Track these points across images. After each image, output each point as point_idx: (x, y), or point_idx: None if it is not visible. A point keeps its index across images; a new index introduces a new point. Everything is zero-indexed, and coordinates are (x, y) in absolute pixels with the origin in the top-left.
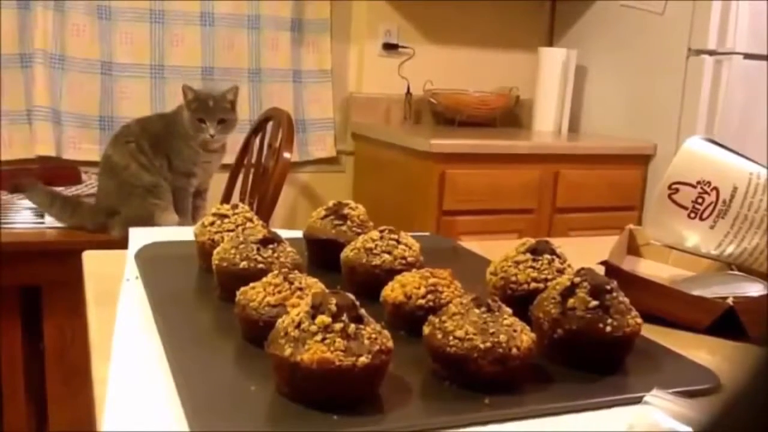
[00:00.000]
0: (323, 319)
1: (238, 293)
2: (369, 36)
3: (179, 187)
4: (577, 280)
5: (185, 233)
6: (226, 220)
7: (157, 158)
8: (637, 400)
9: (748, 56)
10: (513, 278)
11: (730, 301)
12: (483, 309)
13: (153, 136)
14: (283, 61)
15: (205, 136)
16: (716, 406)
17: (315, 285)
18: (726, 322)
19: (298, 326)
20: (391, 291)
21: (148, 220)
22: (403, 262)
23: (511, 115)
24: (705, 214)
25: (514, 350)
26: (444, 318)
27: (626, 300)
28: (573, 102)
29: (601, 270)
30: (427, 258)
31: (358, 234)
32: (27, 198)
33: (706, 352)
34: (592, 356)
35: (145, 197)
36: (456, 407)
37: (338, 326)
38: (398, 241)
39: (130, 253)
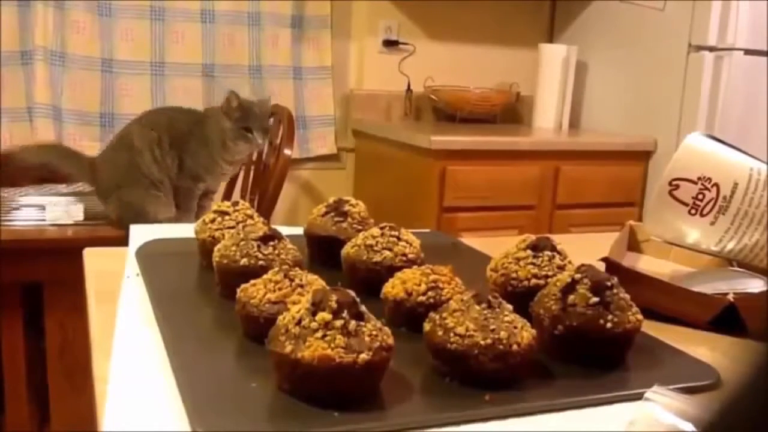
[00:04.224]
0: (324, 316)
1: (238, 290)
2: (369, 33)
3: (185, 187)
4: (577, 276)
5: (186, 230)
6: (227, 217)
7: (170, 156)
8: (638, 397)
9: (748, 52)
10: (514, 275)
11: (730, 297)
12: (484, 306)
13: (176, 133)
14: (284, 58)
15: (252, 147)
16: (717, 402)
17: (315, 282)
18: (727, 318)
19: (298, 323)
20: (392, 288)
21: (145, 207)
22: (404, 258)
23: (512, 111)
24: (705, 210)
25: (515, 347)
26: (445, 315)
27: (627, 296)
28: (573, 98)
29: (601, 266)
30: (427, 255)
31: (359, 231)
32: (24, 158)
33: (706, 349)
34: (593, 352)
35: (148, 188)
36: (457, 404)
37: (339, 323)
38: (399, 238)
39: (131, 250)
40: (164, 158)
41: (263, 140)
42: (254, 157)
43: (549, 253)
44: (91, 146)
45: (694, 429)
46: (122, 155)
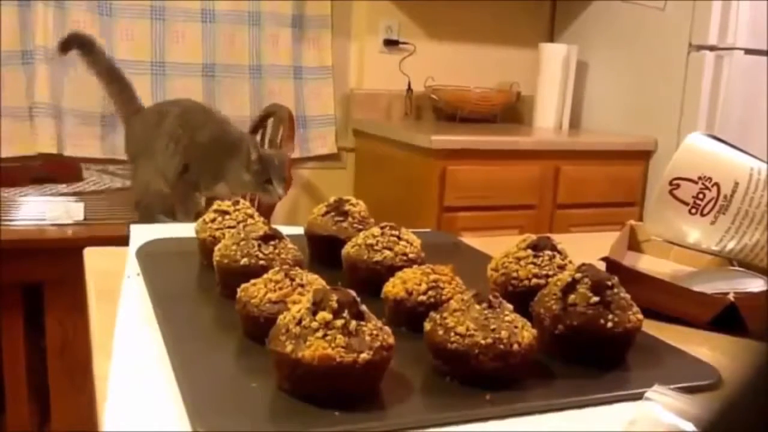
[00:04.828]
0: (324, 315)
1: (239, 290)
2: (370, 32)
3: (181, 188)
4: (578, 276)
5: (186, 230)
6: (227, 217)
7: (177, 157)
8: (639, 396)
9: (748, 52)
10: (514, 274)
11: (731, 296)
12: (484, 305)
13: (194, 141)
14: (284, 58)
15: (272, 198)
16: (718, 402)
17: (316, 281)
18: (727, 317)
19: (299, 323)
20: (392, 287)
21: (150, 184)
22: (404, 258)
23: (512, 111)
24: (706, 210)
25: (515, 346)
26: (445, 314)
27: (627, 296)
28: (574, 98)
29: (602, 266)
30: (428, 254)
31: (359, 230)
32: (84, 58)
33: (707, 348)
34: (593, 352)
35: (152, 162)
36: (457, 403)
37: (339, 323)
38: (399, 238)
39: (132, 250)
40: (172, 156)
41: (283, 191)
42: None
43: (549, 252)
44: (91, 145)
45: (694, 429)
46: (150, 129)
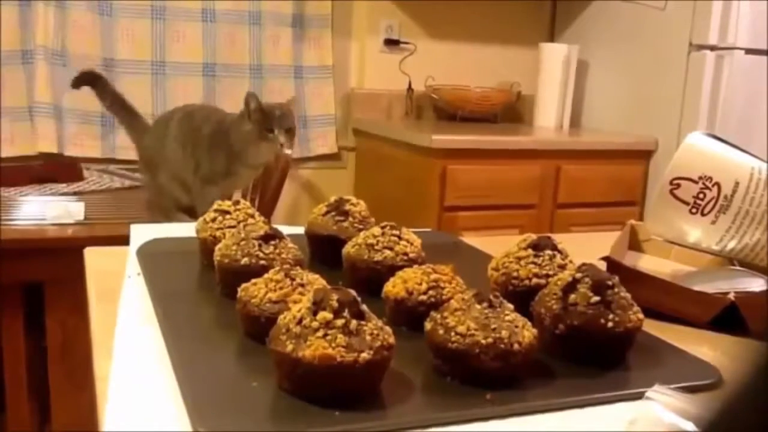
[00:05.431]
0: (325, 315)
1: (239, 289)
2: (370, 32)
3: (198, 188)
4: (578, 275)
5: (187, 229)
6: (228, 217)
7: (189, 159)
8: (639, 396)
9: (749, 51)
10: (515, 274)
11: (731, 296)
12: (485, 305)
13: (197, 139)
14: (285, 57)
15: (275, 146)
16: (718, 401)
17: (316, 281)
18: (727, 317)
19: (299, 322)
20: (393, 287)
21: (173, 193)
22: (405, 258)
23: (513, 110)
24: (706, 210)
25: (516, 346)
26: (446, 314)
27: (628, 295)
28: (574, 97)
29: (602, 265)
30: (428, 254)
31: (360, 230)
32: (94, 91)
33: (707, 348)
34: (594, 352)
35: (171, 176)
36: (458, 403)
37: (340, 322)
38: (400, 237)
39: (132, 250)
40: (184, 159)
41: (287, 140)
42: None
43: (550, 252)
44: (91, 145)
45: (695, 428)
46: (159, 141)
